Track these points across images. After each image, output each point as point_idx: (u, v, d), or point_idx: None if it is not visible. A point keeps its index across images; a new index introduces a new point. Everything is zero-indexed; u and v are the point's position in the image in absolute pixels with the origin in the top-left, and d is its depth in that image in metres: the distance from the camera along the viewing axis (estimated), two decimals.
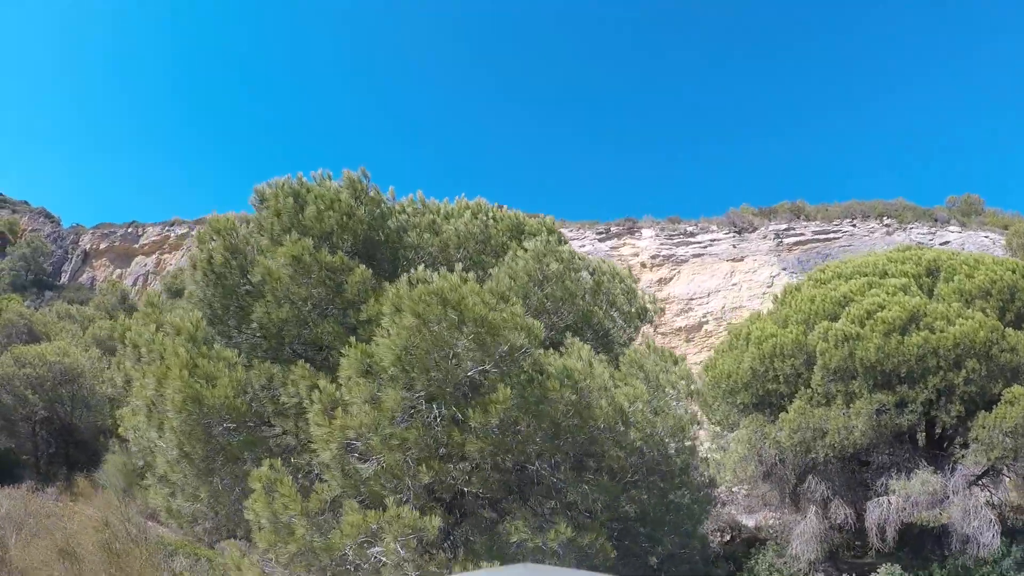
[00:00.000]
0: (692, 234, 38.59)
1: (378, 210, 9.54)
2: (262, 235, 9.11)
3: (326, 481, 7.52)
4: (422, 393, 7.22)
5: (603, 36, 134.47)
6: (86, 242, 54.47)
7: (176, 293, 40.57)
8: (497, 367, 7.32)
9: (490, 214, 10.58)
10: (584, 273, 9.72)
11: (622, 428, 8.19)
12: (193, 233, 50.54)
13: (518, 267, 8.85)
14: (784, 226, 38.32)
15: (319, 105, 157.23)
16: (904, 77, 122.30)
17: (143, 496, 16.25)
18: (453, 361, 7.20)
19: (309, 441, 7.59)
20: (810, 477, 14.37)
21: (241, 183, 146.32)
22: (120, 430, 18.92)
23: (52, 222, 59.07)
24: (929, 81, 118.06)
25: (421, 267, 7.79)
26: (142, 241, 52.37)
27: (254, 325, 8.86)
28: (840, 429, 12.86)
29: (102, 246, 53.38)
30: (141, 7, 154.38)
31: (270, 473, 7.39)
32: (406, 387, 7.14)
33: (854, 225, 38.36)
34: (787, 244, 37.25)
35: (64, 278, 52.12)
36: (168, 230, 52.17)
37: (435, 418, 7.24)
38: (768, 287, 34.96)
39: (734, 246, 37.64)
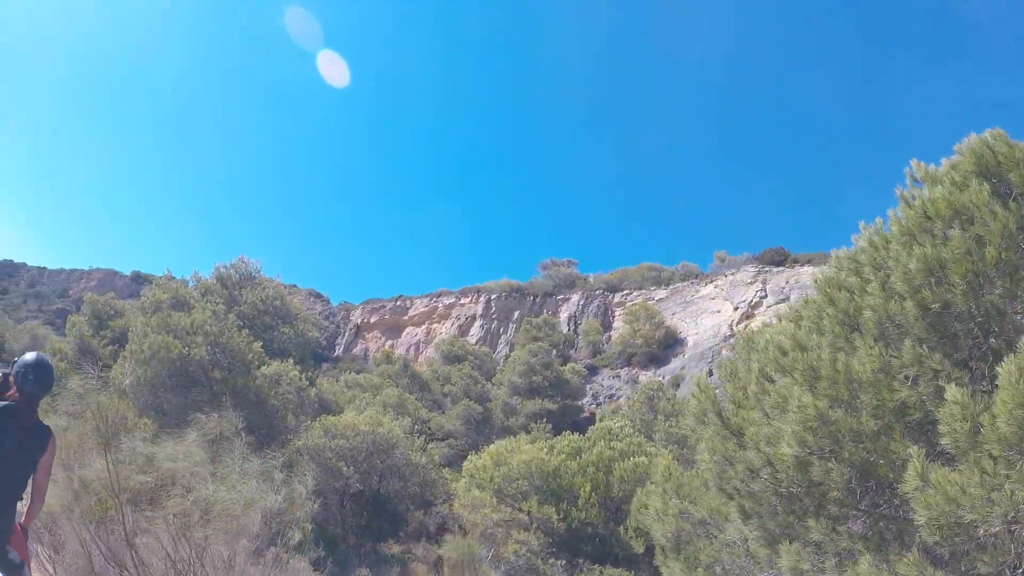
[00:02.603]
0: None
1: None
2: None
3: None
4: None
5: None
6: (357, 317, 56.22)
7: (455, 359, 40.03)
8: None
9: None
10: None
11: None
12: (462, 302, 50.65)
13: None
14: None
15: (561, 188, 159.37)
16: None
17: None
18: None
19: None
20: None
21: (498, 258, 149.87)
22: (456, 506, 17.17)
23: (322, 301, 61.82)
24: None
25: None
26: (411, 313, 53.25)
27: None
28: None
29: (372, 320, 54.77)
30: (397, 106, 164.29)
31: None
32: None
33: None
34: None
35: (338, 350, 53.73)
36: (435, 301, 52.62)
37: None
38: None
39: None
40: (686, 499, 8.25)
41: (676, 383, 35.68)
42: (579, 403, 36.40)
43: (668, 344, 40.58)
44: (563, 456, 14.86)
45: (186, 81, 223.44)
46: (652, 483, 10.19)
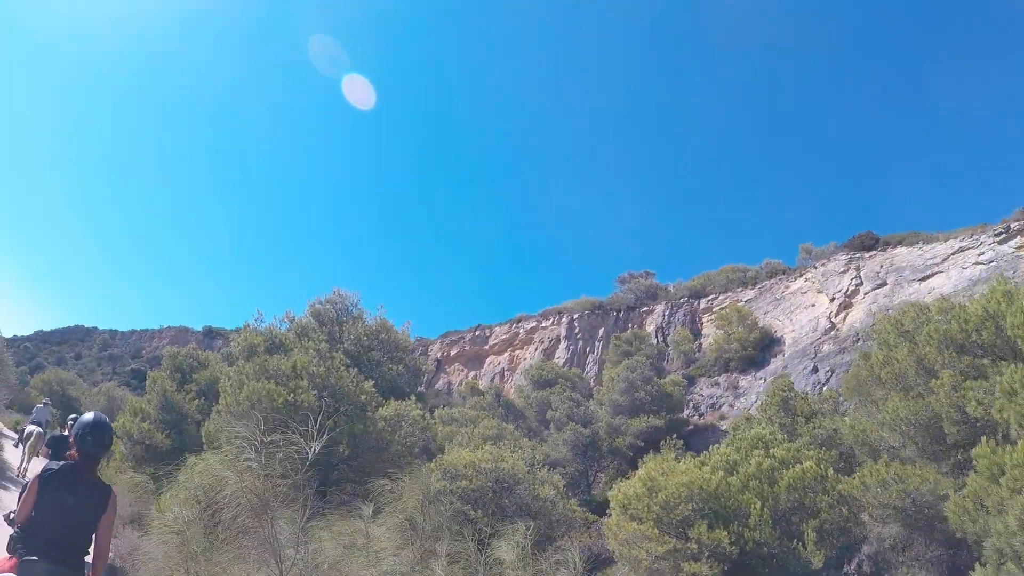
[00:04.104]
0: None
1: None
2: None
3: None
4: None
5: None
6: (436, 351, 55.29)
7: (545, 384, 38.48)
8: None
9: None
10: None
11: None
12: (543, 325, 49.28)
13: None
14: None
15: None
16: None
17: None
18: None
19: None
20: None
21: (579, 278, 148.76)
22: (611, 543, 15.57)
23: None
24: None
25: None
26: (491, 342, 52.27)
27: None
28: None
29: (452, 352, 53.84)
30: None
31: None
32: None
33: None
34: None
35: (421, 386, 52.72)
36: (515, 327, 51.49)
37: None
38: None
39: None
40: None
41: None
42: (682, 416, 34.69)
43: (765, 345, 38.79)
44: (721, 472, 13.31)
45: (225, 125, 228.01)
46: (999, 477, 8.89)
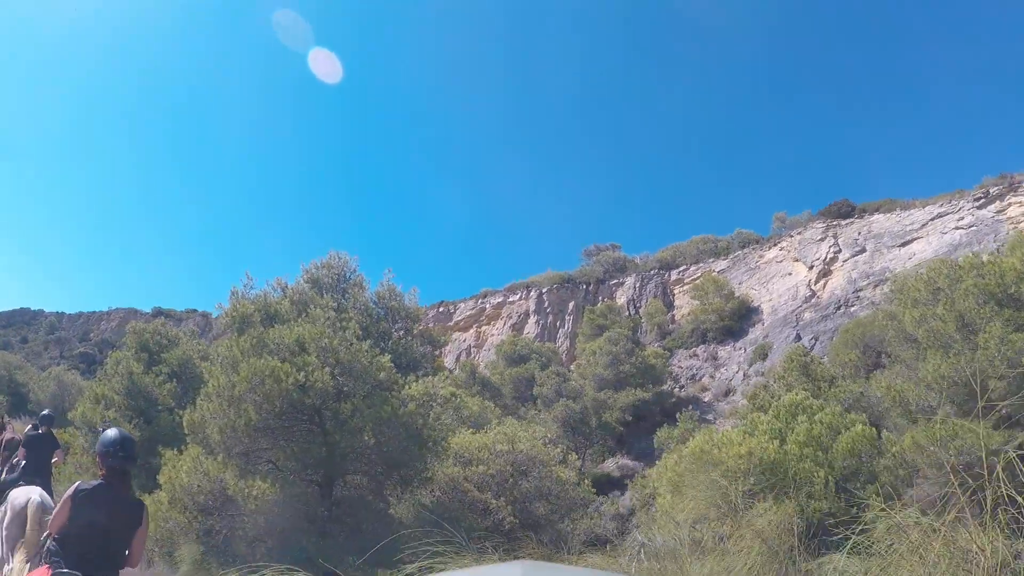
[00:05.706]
0: None
1: None
2: None
3: None
4: None
5: None
6: None
7: (518, 360, 37.33)
8: None
9: None
10: None
11: None
12: (511, 300, 48.13)
13: None
14: None
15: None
16: None
17: None
18: None
19: None
20: None
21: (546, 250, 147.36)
22: (660, 524, 14.46)
23: None
24: None
25: None
26: (456, 318, 50.96)
27: None
28: None
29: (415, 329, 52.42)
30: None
31: None
32: None
33: None
34: None
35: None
36: (481, 302, 50.30)
37: None
38: None
39: None
40: None
41: (763, 353, 33.32)
42: (666, 388, 33.92)
43: (742, 315, 38.37)
44: (777, 441, 12.38)
45: (177, 101, 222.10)
46: None
